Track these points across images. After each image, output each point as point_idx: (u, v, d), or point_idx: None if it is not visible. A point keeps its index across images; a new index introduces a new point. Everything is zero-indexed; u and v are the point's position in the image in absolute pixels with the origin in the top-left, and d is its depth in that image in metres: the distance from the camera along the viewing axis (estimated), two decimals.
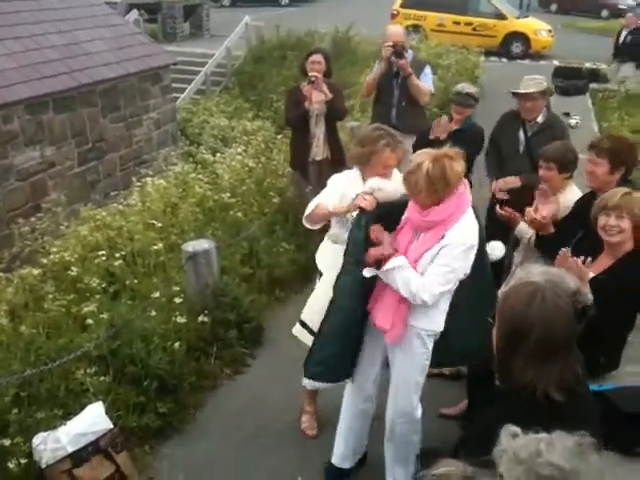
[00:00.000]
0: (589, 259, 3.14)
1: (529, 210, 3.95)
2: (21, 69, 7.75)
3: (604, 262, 3.23)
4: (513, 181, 4.76)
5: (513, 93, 4.95)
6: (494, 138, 5.15)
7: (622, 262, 3.18)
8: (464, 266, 3.01)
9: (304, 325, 3.78)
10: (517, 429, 1.33)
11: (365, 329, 3.35)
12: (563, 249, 3.19)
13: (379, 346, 3.34)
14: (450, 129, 5.22)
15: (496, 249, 4.01)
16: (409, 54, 5.91)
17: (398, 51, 5.66)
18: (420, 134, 5.69)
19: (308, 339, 3.62)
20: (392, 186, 3.29)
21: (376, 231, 3.06)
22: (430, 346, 3.24)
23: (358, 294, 3.21)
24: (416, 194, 2.92)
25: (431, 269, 2.97)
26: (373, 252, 3.04)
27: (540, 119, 4.88)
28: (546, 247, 3.66)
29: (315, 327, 3.50)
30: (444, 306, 3.17)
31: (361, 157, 3.50)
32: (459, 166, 2.90)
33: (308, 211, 3.55)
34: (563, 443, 1.29)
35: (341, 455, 3.66)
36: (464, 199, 2.99)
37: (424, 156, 2.92)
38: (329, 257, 3.70)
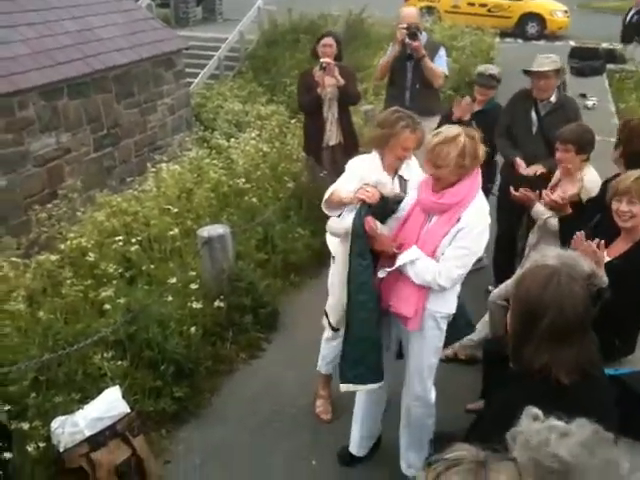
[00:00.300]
0: (602, 242, 3.11)
1: (546, 192, 3.93)
2: (35, 55, 7.77)
3: (620, 246, 3.20)
4: (540, 169, 4.66)
5: (525, 71, 4.88)
6: (505, 118, 5.09)
7: (638, 246, 3.15)
8: (481, 247, 3.03)
9: (327, 315, 3.78)
10: (539, 412, 1.32)
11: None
12: (578, 232, 3.17)
13: (392, 331, 3.35)
14: (472, 110, 5.23)
15: None
16: (423, 36, 5.83)
17: (412, 33, 5.59)
18: (443, 116, 5.71)
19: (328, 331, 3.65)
20: (389, 187, 3.36)
21: (370, 222, 3.06)
22: (444, 328, 3.25)
23: (371, 288, 3.19)
24: (442, 166, 2.89)
25: (449, 252, 2.97)
26: (378, 248, 3.08)
27: (553, 99, 4.83)
28: (566, 230, 3.62)
29: (333, 320, 3.48)
30: (458, 288, 3.19)
31: (380, 139, 3.48)
32: (483, 149, 2.93)
33: (326, 197, 3.54)
34: (578, 435, 1.28)
35: (358, 441, 3.69)
36: (477, 181, 3.00)
37: (456, 130, 2.93)
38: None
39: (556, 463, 1.21)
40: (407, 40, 5.60)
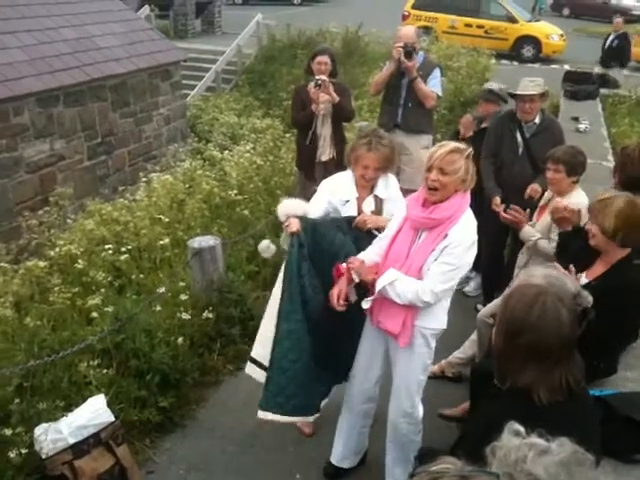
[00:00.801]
0: (571, 266, 3.11)
1: (558, 200, 3.94)
2: (32, 62, 7.79)
3: (598, 269, 3.21)
4: (536, 188, 4.65)
5: (511, 94, 4.99)
6: (490, 139, 5.13)
7: (612, 269, 3.16)
8: (468, 262, 3.04)
9: (254, 362, 3.70)
10: (520, 428, 1.33)
11: (361, 330, 3.39)
12: (555, 264, 3.18)
13: (380, 346, 3.35)
14: (473, 127, 5.32)
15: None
16: (420, 56, 5.89)
17: (407, 52, 5.64)
18: (453, 134, 5.90)
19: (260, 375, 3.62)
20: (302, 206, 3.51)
21: (356, 264, 3.14)
22: (433, 345, 3.26)
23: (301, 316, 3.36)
24: (449, 174, 2.91)
25: (433, 268, 2.98)
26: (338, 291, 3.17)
27: (537, 120, 4.91)
28: (564, 246, 3.60)
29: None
30: (446, 303, 3.19)
31: (348, 157, 3.62)
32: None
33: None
34: (557, 454, 1.29)
35: (340, 454, 3.67)
36: (466, 198, 3.03)
37: (462, 145, 3.00)
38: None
39: None
40: (402, 58, 5.66)
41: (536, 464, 1.24)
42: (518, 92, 4.88)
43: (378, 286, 3.04)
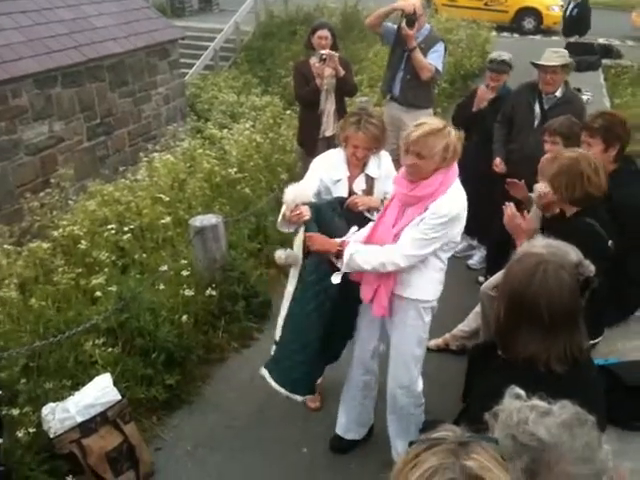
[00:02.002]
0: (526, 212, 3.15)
1: (539, 186, 3.91)
2: (29, 43, 7.71)
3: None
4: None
5: (534, 64, 4.92)
6: (508, 107, 5.12)
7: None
8: (444, 236, 3.01)
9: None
10: (521, 392, 1.34)
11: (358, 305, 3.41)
12: (508, 204, 3.26)
13: (376, 319, 3.36)
14: (488, 97, 5.28)
15: None
16: (425, 29, 5.78)
17: (410, 19, 5.52)
18: (459, 106, 5.85)
19: None
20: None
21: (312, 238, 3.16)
22: (428, 319, 3.28)
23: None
24: (426, 157, 2.89)
25: (406, 232, 3.00)
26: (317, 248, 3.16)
27: (558, 93, 4.85)
28: (548, 225, 3.61)
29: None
30: (437, 276, 3.20)
31: (338, 136, 3.60)
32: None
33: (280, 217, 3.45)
34: (558, 415, 1.29)
35: (344, 425, 3.72)
36: (451, 173, 3.00)
37: (442, 122, 2.95)
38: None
39: (534, 441, 1.21)
40: (403, 25, 5.54)
41: (538, 425, 1.24)
42: (540, 62, 4.84)
43: (344, 259, 3.04)
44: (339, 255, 3.08)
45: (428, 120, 3.00)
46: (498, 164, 5.10)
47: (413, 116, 5.84)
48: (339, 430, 3.75)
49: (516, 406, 1.29)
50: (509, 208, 3.30)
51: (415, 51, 5.60)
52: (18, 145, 7.38)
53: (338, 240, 3.14)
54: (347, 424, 3.72)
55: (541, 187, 3.49)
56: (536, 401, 1.31)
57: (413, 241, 2.98)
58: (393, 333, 3.32)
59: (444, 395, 3.97)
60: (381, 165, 3.62)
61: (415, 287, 3.15)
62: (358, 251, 3.04)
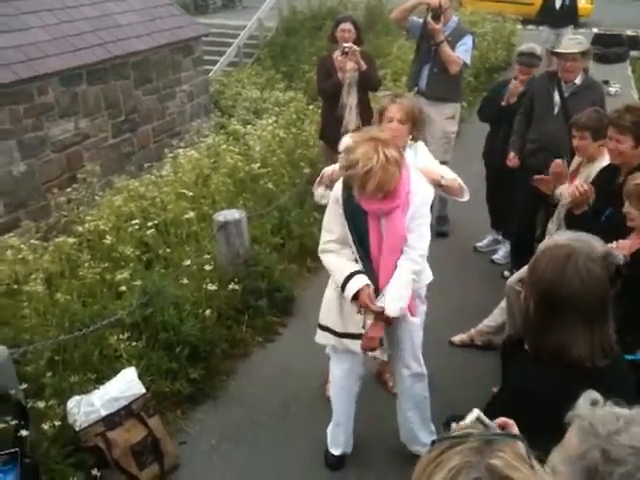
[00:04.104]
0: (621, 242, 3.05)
1: (572, 187, 3.82)
2: (54, 41, 7.79)
3: (635, 243, 3.12)
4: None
5: (553, 52, 4.87)
6: (527, 98, 5.06)
7: None
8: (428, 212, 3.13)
9: (325, 328, 3.48)
10: (598, 397, 1.26)
11: None
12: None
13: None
14: (519, 92, 5.19)
15: None
16: (453, 20, 5.69)
17: (435, 14, 5.46)
18: (486, 100, 5.72)
19: (333, 339, 3.45)
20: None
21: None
22: (425, 300, 3.37)
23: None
24: (390, 189, 2.84)
25: (412, 234, 3.03)
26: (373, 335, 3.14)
27: (578, 81, 4.77)
28: (574, 222, 3.55)
29: (336, 327, 3.37)
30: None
31: (374, 120, 3.63)
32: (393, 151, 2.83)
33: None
34: None
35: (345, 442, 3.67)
36: (406, 171, 2.96)
37: (371, 153, 2.76)
38: None
39: (632, 455, 1.13)
40: (429, 19, 5.48)
41: (633, 435, 1.16)
42: (559, 50, 4.78)
43: (392, 313, 3.05)
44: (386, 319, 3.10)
45: (360, 158, 2.78)
46: (512, 158, 5.09)
47: (440, 110, 5.80)
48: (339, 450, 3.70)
49: (599, 414, 1.21)
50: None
51: (443, 45, 5.52)
52: (44, 142, 7.46)
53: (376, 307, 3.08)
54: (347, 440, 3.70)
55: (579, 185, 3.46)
56: (617, 408, 1.23)
57: (422, 237, 3.06)
58: (401, 327, 3.29)
59: (469, 390, 3.93)
60: (417, 156, 3.57)
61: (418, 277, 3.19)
62: (391, 294, 3.05)
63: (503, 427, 1.53)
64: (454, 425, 1.51)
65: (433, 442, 1.16)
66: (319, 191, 3.65)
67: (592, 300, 1.81)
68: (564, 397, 1.77)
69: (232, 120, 9.72)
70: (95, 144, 8.23)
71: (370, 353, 3.22)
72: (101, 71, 8.26)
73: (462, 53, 5.64)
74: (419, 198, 3.01)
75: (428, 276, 3.38)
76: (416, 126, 3.52)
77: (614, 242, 2.94)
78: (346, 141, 3.19)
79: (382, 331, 3.14)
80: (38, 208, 7.22)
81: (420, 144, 3.65)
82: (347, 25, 5.54)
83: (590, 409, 1.23)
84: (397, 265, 3.07)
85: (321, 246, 3.28)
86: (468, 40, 5.69)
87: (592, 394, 1.26)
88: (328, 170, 3.57)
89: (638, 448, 1.12)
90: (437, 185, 3.45)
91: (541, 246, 1.98)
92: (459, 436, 1.14)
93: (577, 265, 1.80)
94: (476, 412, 1.49)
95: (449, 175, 3.52)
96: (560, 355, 1.83)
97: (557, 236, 1.99)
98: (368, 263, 3.10)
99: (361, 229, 3.07)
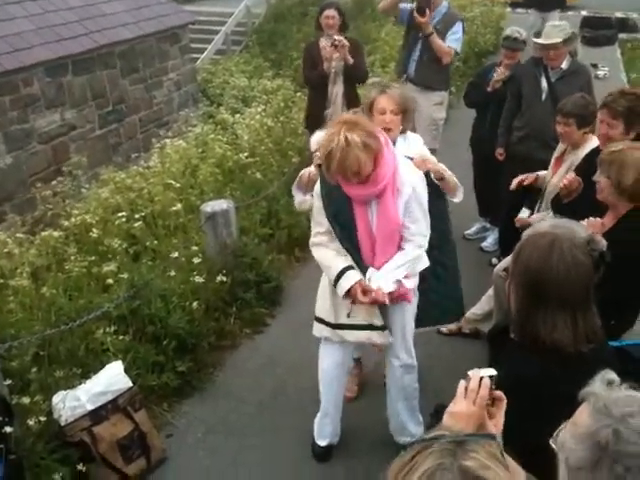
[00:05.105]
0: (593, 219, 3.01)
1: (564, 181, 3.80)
2: (39, 31, 7.70)
3: (607, 222, 3.10)
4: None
5: (535, 42, 4.86)
6: (514, 84, 5.05)
7: (622, 220, 3.03)
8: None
9: (320, 320, 3.41)
10: (615, 377, 1.24)
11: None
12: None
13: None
14: (505, 77, 5.18)
15: None
16: (443, 6, 5.65)
17: (420, 8, 5.41)
18: (471, 85, 5.72)
19: (327, 331, 3.40)
20: None
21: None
22: (417, 291, 3.33)
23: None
24: (362, 171, 2.80)
25: (411, 219, 3.01)
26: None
27: (564, 65, 4.77)
28: (561, 209, 3.53)
29: (330, 318, 3.33)
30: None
31: (366, 113, 3.47)
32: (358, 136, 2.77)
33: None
34: None
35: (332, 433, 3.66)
36: (389, 153, 2.93)
37: (341, 133, 2.72)
38: None
39: None
40: (415, 14, 5.44)
41: None
42: (540, 41, 4.77)
43: (386, 288, 3.02)
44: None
45: (325, 140, 2.79)
46: (500, 153, 5.17)
47: (428, 97, 5.76)
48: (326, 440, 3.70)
49: (614, 396, 1.19)
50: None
51: (432, 36, 5.47)
52: (30, 134, 7.40)
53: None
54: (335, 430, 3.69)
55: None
56: (633, 391, 1.22)
57: (424, 218, 3.05)
58: (394, 317, 3.28)
59: (457, 379, 3.91)
60: (410, 147, 3.50)
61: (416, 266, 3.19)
62: (386, 278, 3.04)
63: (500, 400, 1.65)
64: (470, 373, 1.68)
65: (405, 447, 1.16)
66: (298, 198, 3.58)
67: (576, 286, 1.82)
68: (547, 382, 1.79)
69: (220, 109, 9.67)
70: (82, 135, 8.17)
71: (374, 340, 3.23)
72: (87, 61, 8.18)
73: (453, 42, 5.61)
74: (408, 186, 2.96)
75: (425, 263, 3.24)
76: (406, 116, 3.48)
77: (584, 220, 2.92)
78: (317, 137, 3.16)
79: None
80: (24, 201, 7.17)
81: (410, 135, 3.60)
82: (331, 12, 5.50)
83: (606, 389, 1.22)
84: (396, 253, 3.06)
85: (312, 239, 3.25)
86: (458, 28, 5.65)
87: (609, 375, 1.25)
88: (305, 173, 3.49)
89: None
90: (438, 178, 3.40)
91: (524, 235, 1.97)
92: (431, 438, 1.14)
93: (562, 252, 1.81)
94: (493, 372, 1.63)
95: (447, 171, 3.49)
96: (543, 341, 1.84)
97: (539, 224, 1.99)
98: (357, 255, 3.08)
99: (346, 220, 3.04)
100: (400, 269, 3.05)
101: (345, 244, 3.09)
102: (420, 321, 3.47)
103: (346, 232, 3.07)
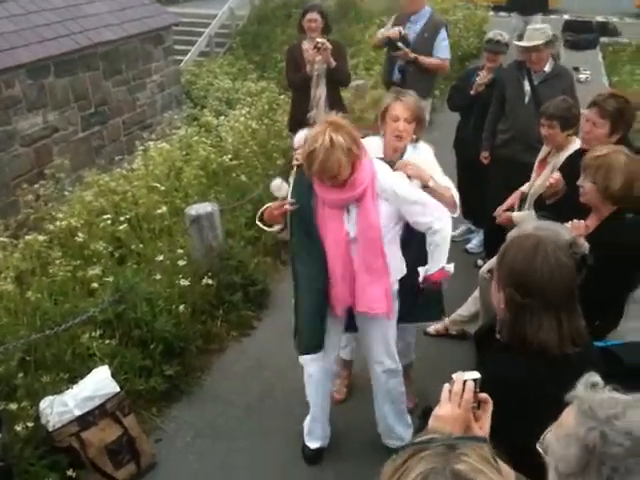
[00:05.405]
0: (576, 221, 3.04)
1: (549, 180, 3.84)
2: (21, 32, 7.64)
3: (590, 223, 3.13)
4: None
5: (517, 45, 4.90)
6: (498, 88, 5.08)
7: (605, 223, 3.06)
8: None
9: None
10: (599, 380, 1.24)
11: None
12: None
13: (341, 325, 3.38)
14: (487, 80, 5.22)
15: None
16: (426, 10, 5.70)
17: (393, 45, 5.53)
18: (454, 89, 5.70)
19: None
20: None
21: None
22: (397, 296, 3.29)
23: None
24: (340, 174, 2.79)
25: (413, 214, 3.01)
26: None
27: (547, 68, 4.81)
28: (544, 210, 3.56)
29: None
30: (399, 252, 3.22)
31: (378, 120, 3.47)
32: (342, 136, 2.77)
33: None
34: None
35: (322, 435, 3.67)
36: (366, 161, 2.92)
37: (324, 133, 2.72)
38: None
39: (628, 441, 1.11)
40: (398, 43, 5.49)
41: (631, 421, 1.14)
42: (522, 44, 4.80)
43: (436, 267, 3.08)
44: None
45: (308, 140, 2.78)
46: (485, 157, 5.21)
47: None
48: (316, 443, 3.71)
49: (599, 398, 1.19)
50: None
51: (418, 60, 5.53)
52: (13, 136, 7.34)
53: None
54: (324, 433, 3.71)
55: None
56: (617, 393, 1.23)
57: (421, 199, 3.02)
58: (373, 327, 3.28)
59: (444, 381, 3.94)
60: (420, 156, 3.44)
61: (394, 269, 3.16)
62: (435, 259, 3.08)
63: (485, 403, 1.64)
64: (454, 376, 1.66)
65: (396, 450, 1.17)
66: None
67: (560, 288, 1.83)
68: (532, 383, 1.80)
69: (204, 111, 9.65)
70: (64, 137, 8.11)
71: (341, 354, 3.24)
72: (69, 62, 8.13)
73: (444, 52, 5.69)
74: (390, 191, 2.95)
75: (401, 271, 3.24)
76: (420, 125, 3.45)
77: (568, 222, 2.95)
78: (300, 135, 3.15)
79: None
80: (7, 204, 7.10)
81: (423, 145, 3.54)
82: (313, 15, 5.50)
83: (590, 392, 1.22)
84: (378, 264, 3.03)
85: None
86: (443, 34, 5.70)
87: (592, 378, 1.25)
88: (267, 210, 3.30)
89: (635, 435, 1.12)
90: (424, 186, 3.31)
91: (509, 236, 1.99)
92: (422, 442, 1.14)
93: (546, 254, 1.83)
94: (477, 375, 1.64)
95: (444, 182, 3.35)
96: (530, 343, 1.85)
97: (523, 226, 2.00)
98: (323, 275, 3.09)
99: (311, 229, 3.02)
100: (443, 255, 3.07)
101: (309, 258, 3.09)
102: (401, 318, 3.45)
103: (312, 242, 3.04)
